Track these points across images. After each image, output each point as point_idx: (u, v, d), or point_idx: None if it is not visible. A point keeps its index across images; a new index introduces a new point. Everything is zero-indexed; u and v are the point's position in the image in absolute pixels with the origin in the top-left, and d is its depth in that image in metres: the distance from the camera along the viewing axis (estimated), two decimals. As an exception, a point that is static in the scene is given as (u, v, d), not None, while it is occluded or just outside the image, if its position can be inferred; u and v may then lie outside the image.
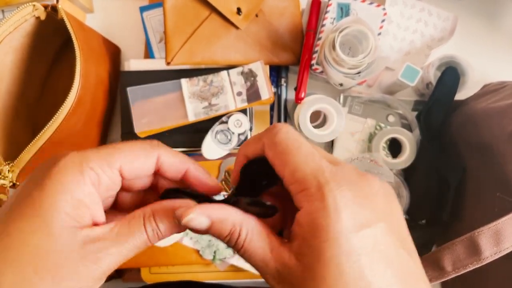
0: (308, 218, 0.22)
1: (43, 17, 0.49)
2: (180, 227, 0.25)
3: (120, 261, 0.24)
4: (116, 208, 0.29)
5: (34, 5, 0.48)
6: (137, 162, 0.26)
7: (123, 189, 0.28)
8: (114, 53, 0.61)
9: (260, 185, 0.27)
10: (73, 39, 0.47)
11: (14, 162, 0.45)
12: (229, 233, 0.24)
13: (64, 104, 0.46)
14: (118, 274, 0.60)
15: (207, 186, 0.28)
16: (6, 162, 0.45)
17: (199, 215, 0.24)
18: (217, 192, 0.28)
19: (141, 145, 0.27)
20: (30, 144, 0.45)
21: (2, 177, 0.45)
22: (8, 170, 0.45)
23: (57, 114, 0.46)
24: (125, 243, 0.24)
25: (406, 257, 0.23)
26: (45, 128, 0.46)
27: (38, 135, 0.46)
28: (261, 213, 0.25)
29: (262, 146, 0.26)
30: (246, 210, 0.25)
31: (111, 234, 0.24)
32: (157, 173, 0.28)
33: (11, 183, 0.46)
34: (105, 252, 0.23)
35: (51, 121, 0.46)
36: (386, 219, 0.23)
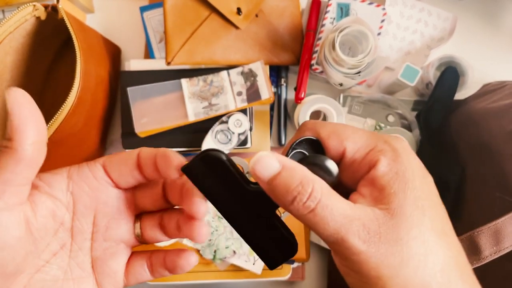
0: (388, 167, 0.23)
1: (43, 17, 0.49)
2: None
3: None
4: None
5: (34, 5, 0.48)
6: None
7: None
8: (114, 53, 0.61)
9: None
10: (73, 39, 0.47)
11: None
12: (299, 184, 0.22)
13: (65, 104, 0.46)
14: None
15: (170, 163, 0.25)
16: None
17: (270, 156, 0.22)
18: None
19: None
20: None
21: None
22: None
23: (57, 114, 0.46)
24: None
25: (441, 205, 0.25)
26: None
27: None
28: (322, 175, 0.24)
29: (310, 133, 0.26)
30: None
31: None
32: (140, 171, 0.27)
33: None
34: None
35: (51, 121, 0.46)
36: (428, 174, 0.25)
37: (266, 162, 0.22)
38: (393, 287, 0.22)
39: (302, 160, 0.24)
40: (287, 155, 0.26)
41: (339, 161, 0.26)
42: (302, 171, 0.23)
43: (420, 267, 0.22)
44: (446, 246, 0.23)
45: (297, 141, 0.26)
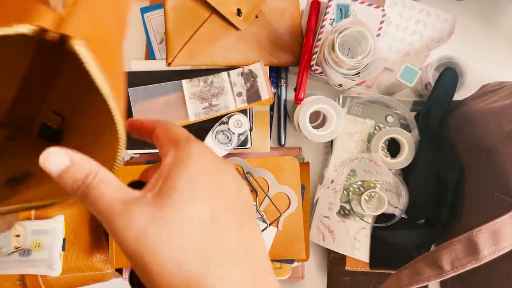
0: (172, 158, 0.25)
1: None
2: None
3: None
4: None
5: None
6: None
7: None
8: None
9: None
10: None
11: None
12: (85, 175, 0.23)
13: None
14: (119, 273, 0.60)
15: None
16: None
17: (58, 152, 0.23)
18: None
19: None
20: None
21: None
22: None
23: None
24: None
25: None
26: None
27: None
28: None
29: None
30: None
31: None
32: None
33: None
34: None
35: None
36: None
37: (56, 158, 0.23)
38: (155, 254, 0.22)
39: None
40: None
41: None
42: (90, 164, 0.24)
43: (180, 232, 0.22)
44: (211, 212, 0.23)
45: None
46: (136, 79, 0.56)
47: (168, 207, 0.22)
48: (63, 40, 0.20)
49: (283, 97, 0.63)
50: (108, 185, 0.23)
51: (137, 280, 0.27)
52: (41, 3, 0.19)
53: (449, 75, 0.56)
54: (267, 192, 0.57)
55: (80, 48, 0.19)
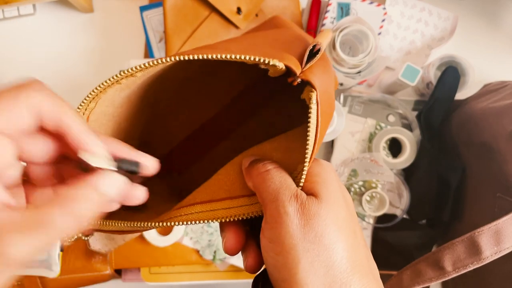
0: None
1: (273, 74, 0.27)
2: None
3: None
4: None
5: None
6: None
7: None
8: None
9: None
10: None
11: None
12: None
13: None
14: (118, 274, 0.60)
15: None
16: None
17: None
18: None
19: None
20: None
21: None
22: None
23: None
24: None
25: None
26: None
27: None
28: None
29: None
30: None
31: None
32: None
33: None
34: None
35: None
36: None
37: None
38: (302, 260, 0.22)
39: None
40: None
41: None
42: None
43: (329, 250, 0.23)
44: (354, 241, 0.24)
45: None
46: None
47: (322, 210, 0.24)
48: (302, 85, 0.24)
49: (283, 96, 0.63)
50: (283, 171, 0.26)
51: (265, 282, 0.27)
52: (296, 58, 0.25)
53: (451, 74, 0.56)
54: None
55: (314, 95, 0.23)
